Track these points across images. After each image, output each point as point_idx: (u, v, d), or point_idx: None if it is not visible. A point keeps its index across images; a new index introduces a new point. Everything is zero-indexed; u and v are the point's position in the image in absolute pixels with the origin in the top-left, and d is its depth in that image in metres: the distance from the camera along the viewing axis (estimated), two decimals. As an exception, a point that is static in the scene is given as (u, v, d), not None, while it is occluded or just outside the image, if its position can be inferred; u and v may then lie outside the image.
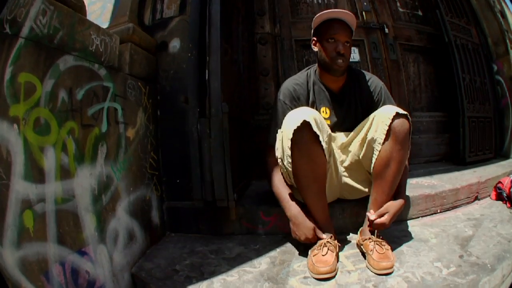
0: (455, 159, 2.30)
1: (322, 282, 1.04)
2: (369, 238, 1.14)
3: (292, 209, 1.20)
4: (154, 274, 1.15)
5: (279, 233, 1.40)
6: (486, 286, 1.00)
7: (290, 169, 1.14)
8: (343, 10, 1.32)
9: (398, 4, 2.42)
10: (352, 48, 2.17)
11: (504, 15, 2.73)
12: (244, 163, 1.70)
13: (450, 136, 2.40)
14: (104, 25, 1.68)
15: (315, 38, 1.35)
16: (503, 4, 2.73)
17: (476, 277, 1.02)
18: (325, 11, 1.31)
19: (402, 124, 1.12)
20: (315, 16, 1.31)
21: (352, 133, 1.30)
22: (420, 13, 2.47)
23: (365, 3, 2.27)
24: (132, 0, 1.68)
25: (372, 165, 1.18)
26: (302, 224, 1.17)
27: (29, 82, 0.85)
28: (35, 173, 0.85)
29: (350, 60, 2.19)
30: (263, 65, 2.12)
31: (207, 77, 1.31)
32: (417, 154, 2.30)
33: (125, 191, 1.24)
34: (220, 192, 1.29)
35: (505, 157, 2.56)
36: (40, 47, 0.89)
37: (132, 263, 1.21)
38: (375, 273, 1.06)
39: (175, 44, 1.61)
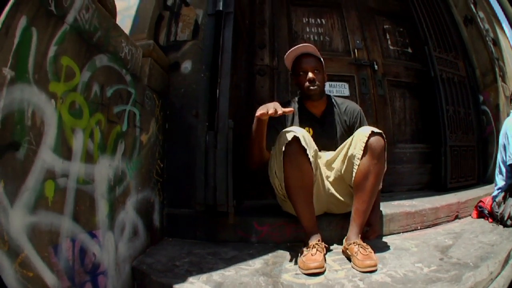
0: (437, 187, 2.41)
1: (312, 277, 1.15)
2: (354, 243, 1.26)
3: None
4: (155, 267, 1.23)
5: (271, 242, 1.52)
6: (471, 279, 1.09)
7: (282, 178, 1.32)
8: (304, 44, 1.56)
9: (389, 42, 2.61)
10: (343, 83, 2.43)
11: (496, 43, 2.82)
12: (238, 184, 1.77)
13: (432, 166, 2.52)
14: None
15: (293, 76, 1.63)
16: (497, 30, 2.79)
17: (458, 272, 1.13)
18: (289, 51, 1.56)
19: (377, 141, 1.30)
20: (284, 58, 1.59)
21: (335, 152, 1.49)
22: (410, 50, 2.66)
23: (357, 41, 2.46)
24: (150, 20, 1.85)
25: (353, 178, 1.34)
26: None
27: (70, 67, 0.93)
28: (64, 150, 0.91)
29: (341, 94, 2.38)
30: (260, 94, 2.23)
31: (217, 96, 1.47)
32: (400, 183, 2.43)
33: (135, 189, 1.34)
34: (221, 197, 1.41)
35: (489, 182, 2.58)
36: (82, 39, 0.99)
37: (133, 257, 1.28)
38: (360, 271, 1.17)
39: (186, 66, 1.78)
